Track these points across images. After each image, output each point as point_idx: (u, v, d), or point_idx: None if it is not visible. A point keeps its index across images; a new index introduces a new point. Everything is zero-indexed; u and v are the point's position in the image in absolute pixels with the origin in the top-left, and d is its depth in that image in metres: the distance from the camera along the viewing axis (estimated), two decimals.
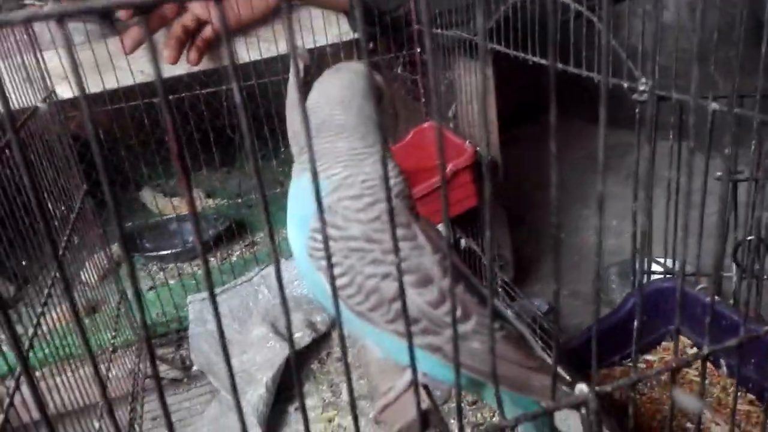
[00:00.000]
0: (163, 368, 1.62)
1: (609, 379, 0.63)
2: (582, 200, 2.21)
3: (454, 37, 1.39)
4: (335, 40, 1.54)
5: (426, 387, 0.79)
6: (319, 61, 1.52)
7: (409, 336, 0.49)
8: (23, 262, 1.12)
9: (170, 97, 1.47)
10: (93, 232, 1.48)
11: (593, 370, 0.57)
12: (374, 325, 0.74)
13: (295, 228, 0.79)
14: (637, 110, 1.16)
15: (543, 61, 1.10)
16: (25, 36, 1.30)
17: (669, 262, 1.36)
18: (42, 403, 0.41)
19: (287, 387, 1.53)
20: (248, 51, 1.51)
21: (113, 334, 1.44)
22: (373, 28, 1.46)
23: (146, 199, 2.15)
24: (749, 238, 1.16)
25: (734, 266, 1.22)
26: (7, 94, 1.09)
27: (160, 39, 1.44)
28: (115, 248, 1.75)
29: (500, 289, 1.48)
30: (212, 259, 1.89)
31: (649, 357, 1.30)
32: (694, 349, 1.24)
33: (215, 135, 1.61)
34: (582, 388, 0.56)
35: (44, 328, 1.09)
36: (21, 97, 1.23)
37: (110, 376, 1.45)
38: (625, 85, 1.09)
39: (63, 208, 1.29)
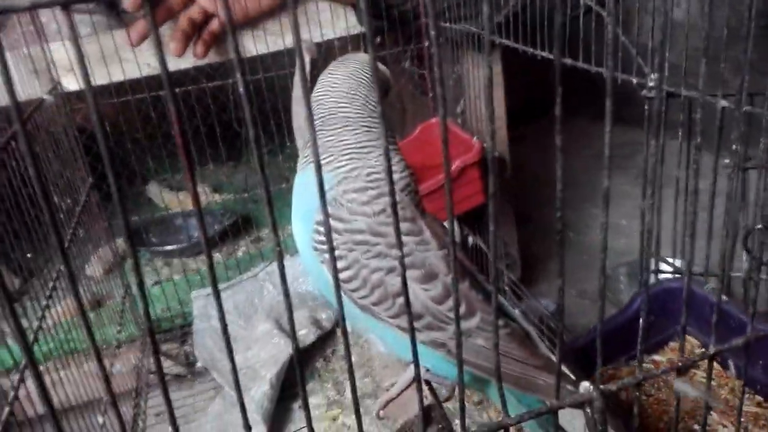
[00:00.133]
0: (166, 364, 1.62)
1: (615, 379, 0.62)
2: (591, 199, 2.19)
3: (462, 30, 1.38)
4: (343, 33, 1.53)
5: (429, 383, 0.79)
6: (327, 54, 1.51)
7: (412, 331, 0.49)
8: (28, 255, 1.12)
9: (176, 90, 1.46)
10: (98, 226, 1.48)
11: (598, 367, 0.56)
12: (378, 319, 0.74)
13: (299, 221, 0.78)
14: (645, 107, 1.14)
15: (550, 56, 1.09)
16: (31, 27, 1.29)
17: (678, 262, 1.35)
18: (47, 396, 0.41)
19: (292, 384, 1.52)
20: (255, 44, 1.50)
21: (118, 329, 1.44)
22: (380, 22, 1.45)
23: (152, 194, 2.15)
24: (758, 226, 1.15)
25: (744, 253, 1.21)
26: (17, 86, 1.09)
27: (167, 31, 1.44)
28: (120, 242, 1.75)
29: (507, 288, 1.47)
30: (217, 254, 1.89)
31: (656, 357, 1.29)
32: (703, 350, 1.23)
33: (222, 129, 1.60)
34: (587, 386, 0.55)
35: (49, 321, 1.08)
36: (27, 88, 1.23)
37: (114, 371, 1.45)
38: (634, 81, 1.07)
39: (68, 200, 1.28)
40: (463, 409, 0.52)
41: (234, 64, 0.39)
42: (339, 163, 0.75)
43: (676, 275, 1.33)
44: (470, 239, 1.61)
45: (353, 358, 0.48)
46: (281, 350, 1.51)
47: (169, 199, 2.07)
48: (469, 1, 1.34)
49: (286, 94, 1.47)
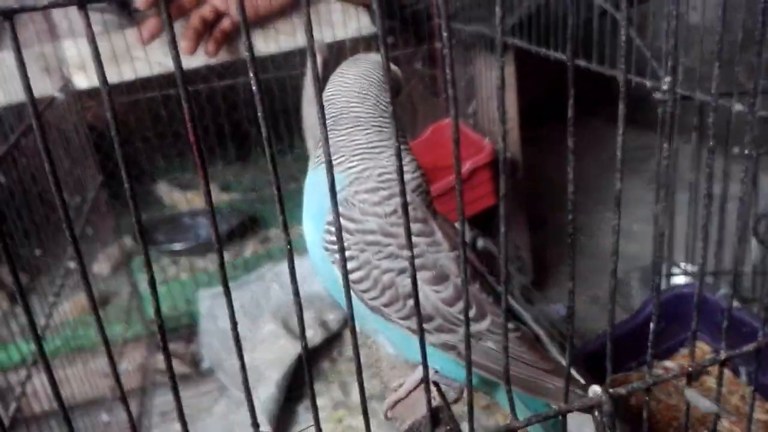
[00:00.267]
0: (173, 363, 1.62)
1: (625, 384, 0.62)
2: (604, 202, 2.18)
3: (474, 32, 1.38)
4: (354, 34, 1.53)
5: (437, 384, 0.78)
6: (338, 55, 1.51)
7: (421, 332, 0.48)
8: (36, 251, 1.12)
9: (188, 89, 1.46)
10: (106, 224, 1.48)
11: (607, 371, 0.56)
12: (388, 320, 0.73)
13: (310, 221, 0.78)
14: (659, 110, 1.14)
15: (564, 58, 1.08)
16: (43, 25, 1.30)
17: (690, 267, 1.34)
18: (58, 392, 0.41)
19: (297, 386, 1.51)
20: (266, 43, 1.50)
21: (125, 327, 1.44)
22: (393, 22, 1.45)
23: (161, 193, 2.15)
24: None
25: (754, 241, 1.19)
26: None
27: (178, 30, 1.44)
28: (128, 240, 1.75)
29: (518, 293, 1.47)
30: (225, 254, 1.89)
31: (667, 363, 1.27)
32: (713, 356, 1.22)
33: (231, 128, 1.60)
34: (596, 390, 0.54)
35: (56, 319, 1.08)
36: (38, 86, 1.23)
37: (120, 370, 1.45)
38: (648, 84, 1.07)
39: (78, 198, 1.29)
40: (471, 411, 0.51)
41: (247, 63, 0.39)
42: (351, 163, 0.75)
43: (687, 276, 1.32)
44: (480, 241, 1.60)
45: (361, 359, 0.48)
46: (287, 351, 1.50)
47: (177, 198, 2.07)
48: (483, 2, 1.33)
49: (296, 94, 1.47)
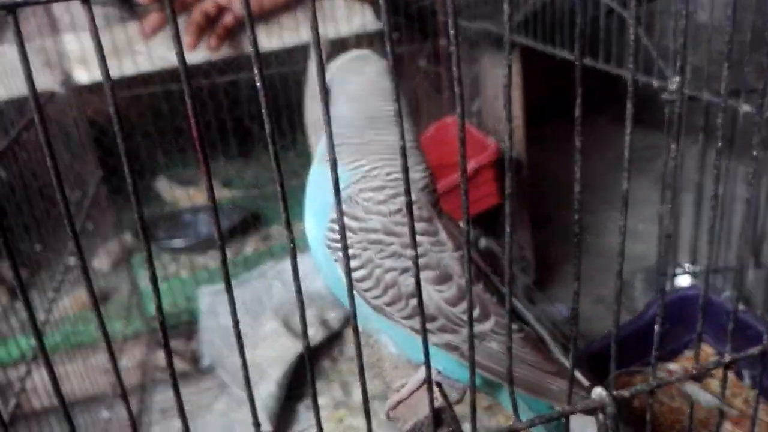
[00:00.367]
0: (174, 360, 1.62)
1: (629, 386, 0.61)
2: (609, 201, 2.17)
3: (480, 29, 1.37)
4: (359, 30, 1.52)
5: (439, 385, 0.77)
6: (342, 51, 1.50)
7: (424, 333, 0.48)
8: (36, 247, 1.11)
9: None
10: (106, 219, 1.47)
11: (611, 373, 0.55)
12: (391, 320, 0.72)
13: (313, 218, 0.77)
14: (666, 110, 1.13)
15: (570, 57, 1.07)
16: (44, 19, 1.29)
17: (692, 267, 1.33)
18: (58, 387, 0.40)
19: (298, 384, 1.51)
20: (269, 39, 1.49)
21: (124, 323, 1.43)
22: (398, 18, 1.45)
23: (161, 189, 2.14)
24: None
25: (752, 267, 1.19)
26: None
27: (180, 24, 1.43)
28: (128, 236, 1.75)
29: (521, 292, 1.46)
30: (226, 251, 1.88)
31: (671, 366, 1.27)
32: (718, 359, 1.21)
33: (233, 124, 1.59)
34: (600, 392, 0.54)
35: (56, 314, 1.08)
36: (39, 81, 1.23)
37: (120, 366, 1.44)
38: (655, 83, 1.06)
39: (78, 193, 1.28)
40: (474, 412, 0.51)
41: (252, 59, 0.39)
42: (360, 161, 0.74)
43: (691, 276, 1.31)
44: (482, 241, 1.59)
45: (363, 359, 0.47)
46: (288, 350, 1.50)
47: (178, 194, 2.06)
48: None
49: (299, 90, 1.46)
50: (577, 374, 0.75)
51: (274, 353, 1.50)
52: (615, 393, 0.54)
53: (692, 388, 0.61)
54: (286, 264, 1.67)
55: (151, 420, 1.46)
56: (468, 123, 1.57)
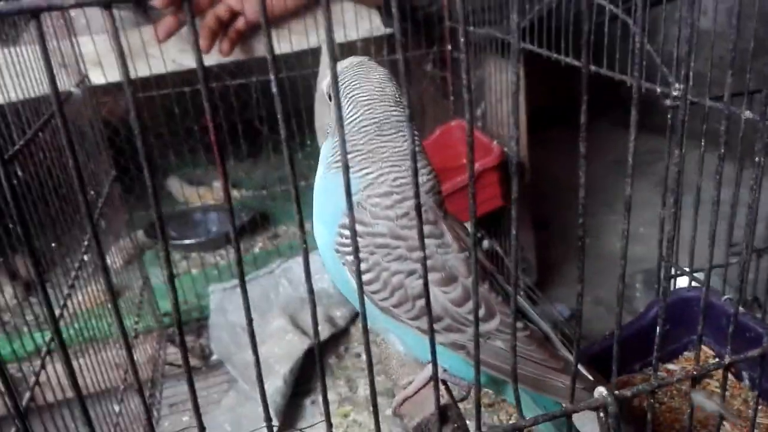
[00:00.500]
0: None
1: (629, 386, 0.62)
2: (609, 205, 2.18)
3: (485, 35, 1.38)
4: (366, 34, 1.54)
5: (445, 382, 0.79)
6: (349, 56, 1.52)
7: (431, 332, 0.49)
8: (53, 244, 1.13)
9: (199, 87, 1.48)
10: (119, 218, 1.50)
11: (613, 373, 0.57)
12: (398, 321, 0.74)
13: (322, 224, 0.79)
14: (668, 116, 1.14)
15: (576, 63, 1.09)
16: (60, 21, 1.31)
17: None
18: (75, 380, 0.42)
19: (304, 380, 1.53)
20: (279, 43, 1.51)
21: (135, 320, 1.46)
22: (404, 24, 1.46)
23: (173, 188, 2.17)
24: None
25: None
26: (44, 79, 1.11)
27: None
28: (140, 234, 1.77)
29: (522, 293, 1.48)
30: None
31: (670, 366, 1.28)
32: (717, 360, 1.23)
33: (243, 126, 1.62)
34: (602, 391, 0.55)
35: (69, 310, 1.10)
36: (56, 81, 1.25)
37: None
38: (658, 90, 1.07)
39: (92, 192, 1.30)
40: (479, 409, 0.52)
41: (268, 64, 0.40)
42: (368, 168, 0.76)
43: (690, 277, 1.32)
44: (485, 243, 1.61)
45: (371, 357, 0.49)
46: (295, 346, 1.52)
47: (189, 193, 2.09)
48: (494, 5, 1.34)
49: (308, 94, 1.48)
50: (582, 370, 0.77)
51: (280, 350, 1.52)
52: (617, 393, 0.55)
53: (699, 398, 0.62)
54: (294, 262, 1.70)
55: (160, 414, 1.49)
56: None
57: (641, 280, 1.68)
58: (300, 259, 1.77)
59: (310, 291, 0.47)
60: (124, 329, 0.45)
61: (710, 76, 1.07)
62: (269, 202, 2.05)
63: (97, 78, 1.44)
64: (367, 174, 0.76)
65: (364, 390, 1.50)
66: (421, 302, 0.72)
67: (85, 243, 1.18)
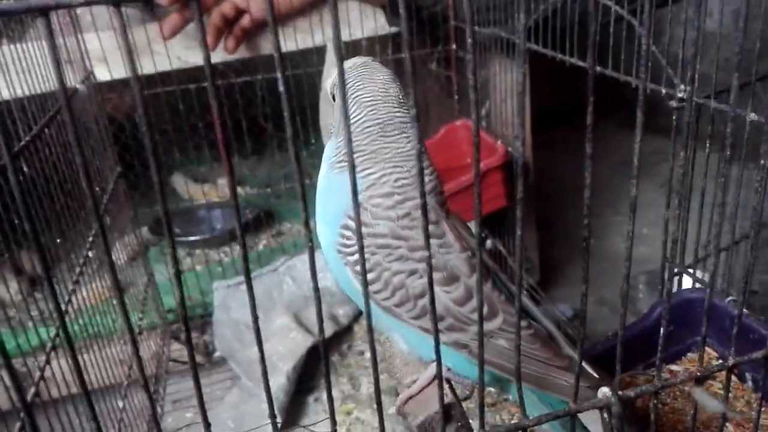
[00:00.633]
0: (185, 353, 1.64)
1: (632, 387, 0.62)
2: (613, 206, 2.18)
3: (490, 34, 1.38)
4: (371, 33, 1.54)
5: (449, 381, 0.79)
6: (354, 55, 1.52)
7: (436, 332, 0.49)
8: (58, 240, 1.14)
9: (205, 84, 1.48)
10: (124, 214, 1.50)
11: (617, 373, 0.57)
12: (400, 320, 0.75)
13: (325, 225, 0.79)
14: (674, 117, 1.14)
15: (581, 63, 1.09)
16: (65, 18, 1.32)
17: (699, 273, 1.34)
18: (81, 375, 0.42)
19: (307, 378, 1.54)
20: (284, 42, 1.52)
21: (140, 316, 1.46)
22: (410, 23, 1.46)
23: (177, 185, 2.17)
24: None
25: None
26: (50, 76, 1.12)
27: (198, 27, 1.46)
28: (144, 231, 1.78)
29: (525, 292, 1.48)
30: (238, 247, 1.91)
31: (673, 367, 1.28)
32: (720, 362, 1.23)
33: (248, 123, 1.62)
34: (605, 392, 0.55)
35: (74, 305, 1.11)
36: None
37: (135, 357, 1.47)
38: (663, 91, 1.07)
39: (97, 188, 1.31)
40: (482, 409, 0.53)
41: (275, 62, 0.40)
42: (370, 169, 0.76)
43: (694, 278, 1.32)
44: (488, 242, 1.62)
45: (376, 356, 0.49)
46: (298, 344, 1.52)
47: (193, 190, 2.09)
48: (499, 5, 1.34)
49: (313, 92, 1.48)
50: (587, 368, 0.77)
51: (284, 347, 1.53)
52: (621, 393, 0.55)
53: (700, 395, 0.62)
54: (297, 260, 1.71)
55: (163, 410, 1.49)
56: None
57: (644, 281, 1.68)
58: (304, 257, 1.78)
59: (316, 288, 0.47)
60: (130, 325, 0.45)
61: (715, 78, 1.07)
62: (273, 200, 2.06)
63: (102, 75, 1.45)
64: (370, 174, 0.76)
65: (366, 388, 1.51)
66: (423, 301, 0.73)
67: (90, 239, 1.18)
